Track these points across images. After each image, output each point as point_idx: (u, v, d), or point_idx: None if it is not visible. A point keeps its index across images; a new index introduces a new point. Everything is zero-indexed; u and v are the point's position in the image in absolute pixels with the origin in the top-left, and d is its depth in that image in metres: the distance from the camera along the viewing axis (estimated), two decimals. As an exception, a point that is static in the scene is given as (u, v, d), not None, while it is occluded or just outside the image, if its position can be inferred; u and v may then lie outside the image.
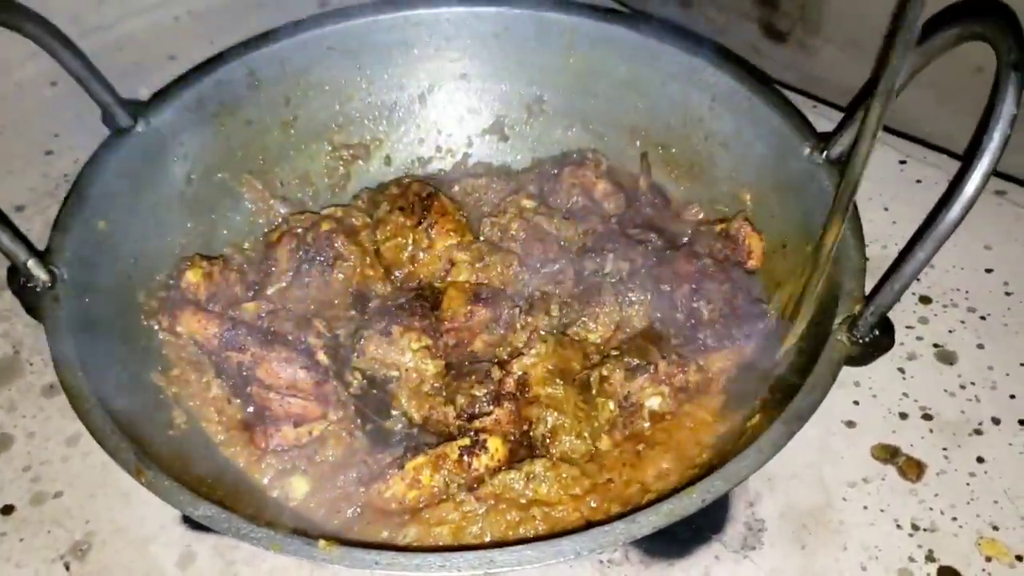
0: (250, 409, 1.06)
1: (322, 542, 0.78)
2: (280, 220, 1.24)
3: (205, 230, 1.20)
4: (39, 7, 1.04)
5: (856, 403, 1.10)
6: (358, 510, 0.98)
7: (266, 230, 1.24)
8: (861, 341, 0.91)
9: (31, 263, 0.95)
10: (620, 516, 0.80)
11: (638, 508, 0.82)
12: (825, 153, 1.07)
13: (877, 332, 0.91)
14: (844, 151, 1.06)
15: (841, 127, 1.06)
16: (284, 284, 1.14)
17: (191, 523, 1.01)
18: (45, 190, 1.37)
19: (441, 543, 0.93)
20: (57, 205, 1.32)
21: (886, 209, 1.30)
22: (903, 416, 1.08)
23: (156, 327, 1.08)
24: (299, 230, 1.17)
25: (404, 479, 0.95)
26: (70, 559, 0.99)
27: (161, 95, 1.16)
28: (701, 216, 1.23)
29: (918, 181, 1.34)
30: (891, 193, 1.32)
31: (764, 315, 1.09)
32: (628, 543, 0.96)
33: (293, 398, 1.03)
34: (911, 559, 0.97)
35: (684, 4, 1.74)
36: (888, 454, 1.05)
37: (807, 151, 1.08)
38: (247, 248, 1.21)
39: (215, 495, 0.85)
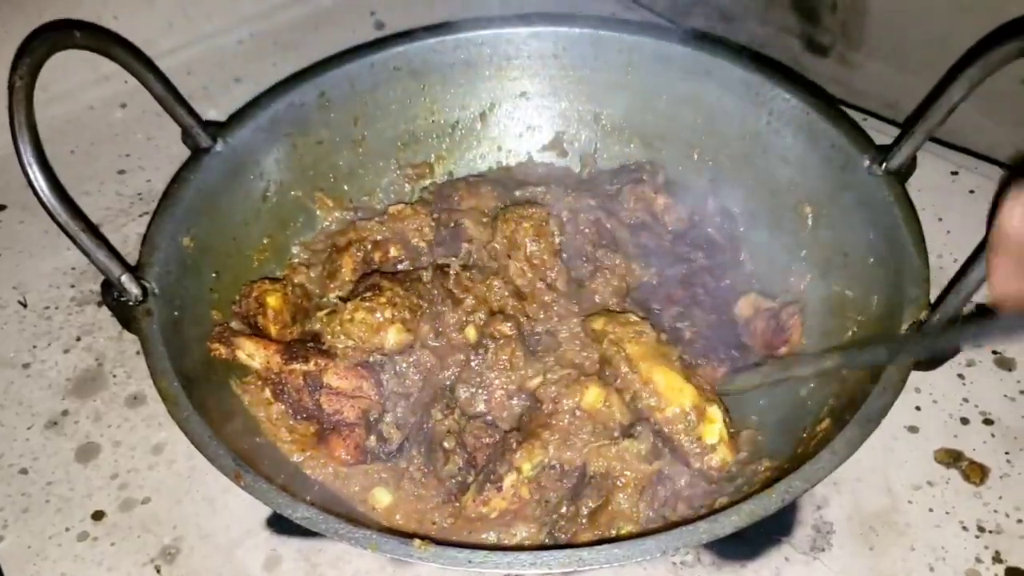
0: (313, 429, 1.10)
1: (417, 541, 0.82)
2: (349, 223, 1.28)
3: (279, 245, 1.24)
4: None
5: (918, 409, 1.12)
6: (449, 521, 1.01)
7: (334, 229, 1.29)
8: (929, 347, 0.94)
9: (124, 278, 1.00)
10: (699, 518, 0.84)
11: (716, 511, 0.85)
12: (884, 165, 1.09)
13: (943, 338, 0.94)
14: (903, 163, 1.09)
15: (900, 139, 1.09)
16: (344, 292, 1.18)
17: (276, 527, 1.05)
18: (120, 208, 1.42)
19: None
20: (132, 223, 1.39)
21: (940, 219, 1.32)
22: (964, 421, 1.11)
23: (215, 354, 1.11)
24: (368, 244, 1.21)
25: (504, 497, 0.98)
26: (160, 563, 1.03)
27: (238, 116, 1.20)
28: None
29: (971, 192, 1.36)
30: (944, 203, 1.34)
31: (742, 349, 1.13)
32: (701, 545, 1.00)
33: (364, 398, 1.08)
34: (978, 560, 0.99)
35: (726, 18, 1.77)
36: (951, 458, 1.08)
37: (866, 163, 1.11)
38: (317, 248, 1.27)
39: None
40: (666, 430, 1.03)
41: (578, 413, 1.02)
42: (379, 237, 1.22)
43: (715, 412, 1.04)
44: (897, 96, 1.55)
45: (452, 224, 1.22)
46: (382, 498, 1.04)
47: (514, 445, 0.99)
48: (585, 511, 0.97)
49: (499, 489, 0.98)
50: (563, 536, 0.97)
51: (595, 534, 0.96)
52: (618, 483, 0.97)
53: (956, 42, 1.34)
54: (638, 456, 0.97)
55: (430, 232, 1.23)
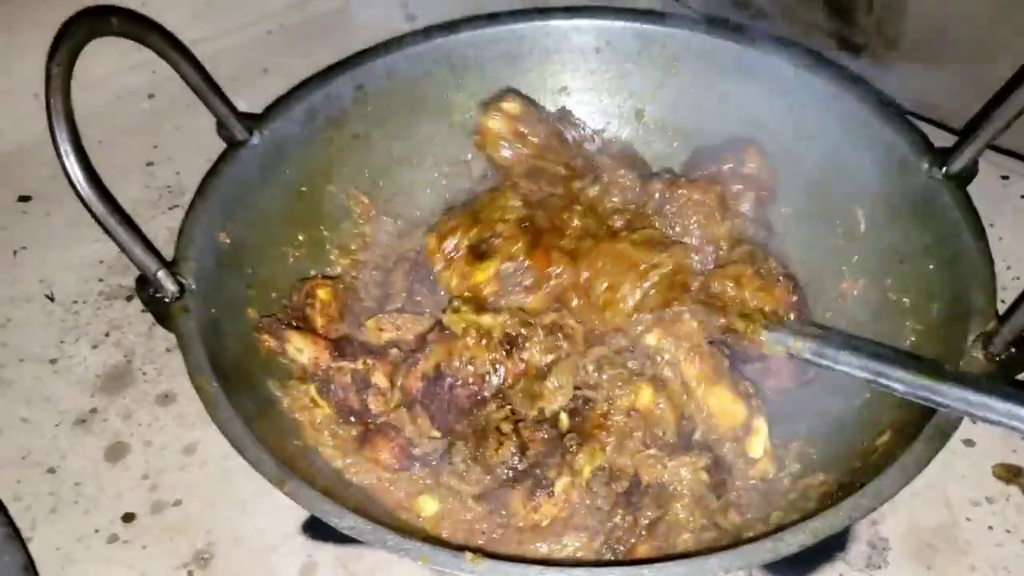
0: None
1: (469, 555, 0.78)
2: (386, 238, 1.26)
3: (315, 242, 1.21)
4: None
5: (974, 422, 1.08)
6: (499, 532, 0.97)
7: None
8: (998, 359, 0.90)
9: (161, 274, 0.96)
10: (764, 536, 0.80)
11: (780, 528, 0.81)
12: (945, 169, 1.06)
13: (1014, 350, 0.90)
14: (965, 166, 1.05)
15: (962, 143, 1.05)
16: (400, 304, 1.15)
17: (312, 533, 1.02)
18: (148, 200, 1.39)
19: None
20: (160, 216, 1.36)
21: (991, 225, 1.27)
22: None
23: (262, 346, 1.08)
24: (411, 254, 1.19)
25: (556, 503, 0.95)
26: (193, 568, 1.00)
27: (274, 108, 1.17)
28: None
29: (1022, 197, 1.32)
30: (995, 209, 1.30)
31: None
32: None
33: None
34: (1042, 580, 0.95)
35: (756, 15, 1.74)
36: (1011, 474, 1.04)
37: (925, 167, 1.07)
38: (360, 259, 1.22)
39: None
40: (712, 442, 1.02)
41: (633, 414, 0.98)
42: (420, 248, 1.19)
43: (761, 424, 1.02)
44: (933, 97, 1.51)
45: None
46: (428, 506, 1.00)
47: (574, 447, 0.96)
48: (644, 521, 0.93)
49: (550, 494, 0.94)
50: (621, 548, 0.93)
51: (653, 545, 0.92)
52: (674, 492, 0.94)
53: (995, 44, 1.31)
54: (695, 470, 0.94)
55: None
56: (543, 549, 0.95)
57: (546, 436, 0.98)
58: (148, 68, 1.53)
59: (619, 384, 0.99)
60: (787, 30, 1.73)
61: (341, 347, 1.07)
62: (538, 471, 0.97)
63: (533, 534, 0.96)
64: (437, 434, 1.02)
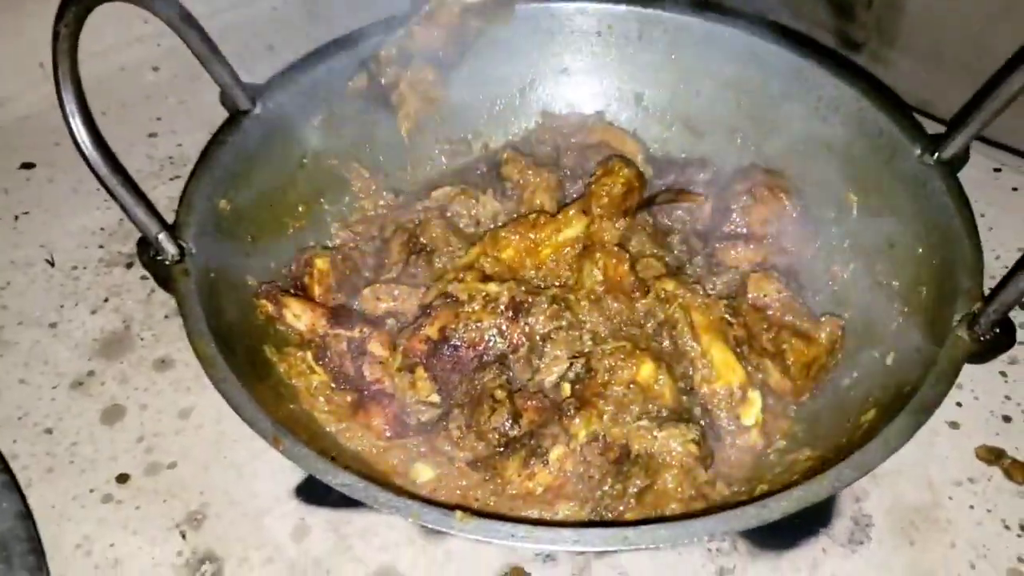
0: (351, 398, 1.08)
1: (459, 513, 0.80)
2: (386, 211, 1.27)
3: (314, 213, 1.22)
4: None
5: (959, 404, 1.10)
6: (493, 500, 0.99)
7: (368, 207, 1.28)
8: (982, 338, 0.92)
9: (162, 236, 0.98)
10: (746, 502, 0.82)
11: (766, 495, 0.83)
12: (937, 155, 1.07)
13: (998, 330, 0.92)
14: (957, 153, 1.07)
15: (953, 129, 1.07)
16: (395, 275, 1.16)
17: (304, 496, 1.03)
18: (150, 171, 1.40)
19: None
20: (162, 186, 1.38)
21: (983, 215, 1.30)
22: (1007, 419, 1.09)
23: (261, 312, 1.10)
24: (409, 225, 1.20)
25: (551, 471, 0.97)
26: (186, 528, 1.01)
27: (278, 80, 1.18)
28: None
29: (1014, 189, 1.34)
30: (987, 200, 1.32)
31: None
32: (738, 533, 0.98)
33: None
34: (1020, 559, 0.97)
35: (759, 11, 1.75)
36: (993, 456, 1.06)
37: (917, 152, 1.09)
38: (358, 230, 1.24)
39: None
40: (710, 404, 1.04)
41: (632, 386, 1.00)
42: (420, 220, 1.21)
43: (756, 396, 1.04)
44: (930, 93, 1.53)
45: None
46: (422, 473, 1.02)
47: (572, 411, 0.97)
48: (633, 490, 0.95)
49: (545, 463, 0.96)
50: (608, 515, 0.95)
51: (641, 514, 0.94)
52: (664, 462, 0.95)
53: (991, 41, 1.32)
54: (685, 441, 0.95)
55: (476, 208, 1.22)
56: (535, 515, 0.97)
57: (540, 405, 0.99)
58: (152, 41, 1.55)
59: (622, 356, 1.00)
60: (789, 25, 1.75)
61: (338, 315, 1.09)
62: (533, 440, 0.98)
63: (526, 502, 0.98)
64: (437, 399, 1.03)
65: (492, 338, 1.03)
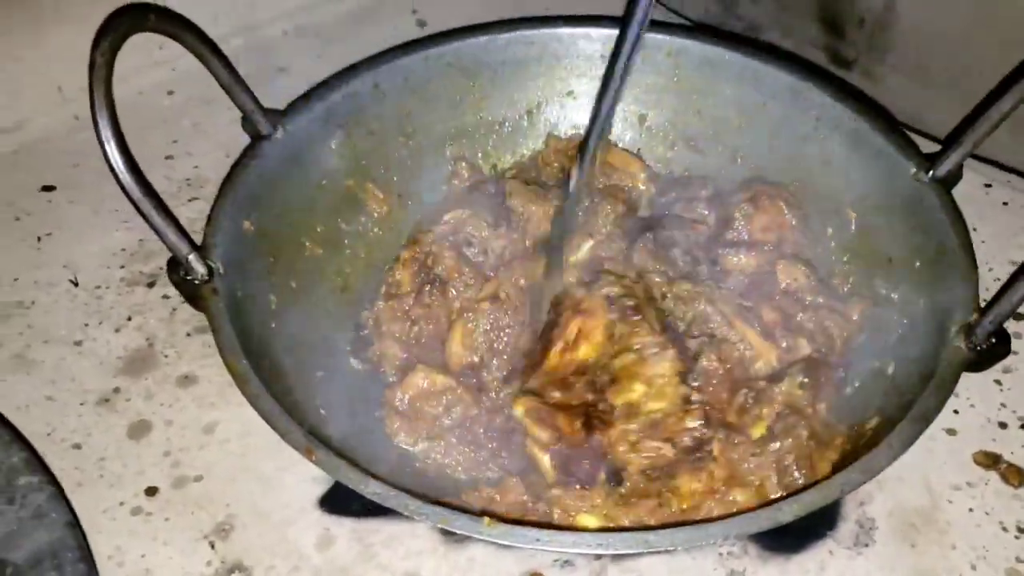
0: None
1: (486, 519, 0.84)
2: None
3: (331, 234, 1.26)
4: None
5: (956, 412, 1.15)
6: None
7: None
8: (978, 348, 0.96)
9: (192, 257, 1.01)
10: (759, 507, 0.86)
11: (775, 500, 0.87)
12: (931, 173, 1.12)
13: (994, 340, 0.96)
14: (951, 171, 1.12)
15: (947, 148, 1.12)
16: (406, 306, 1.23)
17: (329, 507, 1.07)
18: (169, 192, 1.44)
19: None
20: (181, 207, 1.41)
21: (974, 229, 1.34)
22: (1003, 425, 1.13)
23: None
24: (420, 256, 1.25)
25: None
26: (214, 539, 1.04)
27: (297, 105, 1.22)
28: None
29: (1004, 203, 1.39)
30: (978, 214, 1.37)
31: None
32: (749, 537, 1.02)
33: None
34: (1019, 559, 1.01)
35: (752, 29, 1.80)
36: (990, 461, 1.10)
37: (913, 171, 1.14)
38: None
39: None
40: None
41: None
42: (433, 248, 1.25)
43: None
44: (920, 110, 1.57)
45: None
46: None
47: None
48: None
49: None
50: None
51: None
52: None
53: (980, 59, 1.37)
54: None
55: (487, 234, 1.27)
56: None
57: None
58: (168, 65, 1.59)
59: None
60: (780, 43, 1.79)
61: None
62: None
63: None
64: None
65: None
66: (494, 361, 1.18)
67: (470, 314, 1.18)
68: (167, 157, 1.50)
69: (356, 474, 0.87)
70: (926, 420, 0.91)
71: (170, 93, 1.60)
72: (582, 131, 1.41)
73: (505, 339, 1.18)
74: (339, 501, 1.07)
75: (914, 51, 1.56)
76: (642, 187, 1.29)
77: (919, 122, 1.52)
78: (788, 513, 0.84)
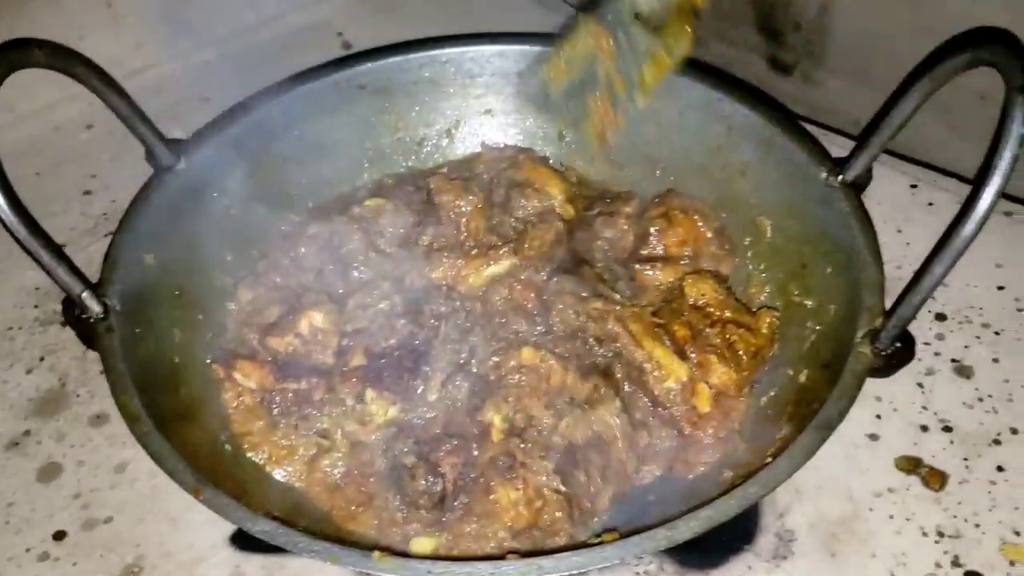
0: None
1: (376, 553, 0.82)
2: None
3: (245, 264, 1.24)
4: (82, 52, 1.10)
5: (878, 417, 1.13)
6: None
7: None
8: (883, 353, 0.95)
9: (85, 295, 1.00)
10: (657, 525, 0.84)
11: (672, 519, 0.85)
12: (841, 177, 1.11)
13: (898, 345, 0.95)
14: (859, 174, 1.11)
15: (856, 152, 1.11)
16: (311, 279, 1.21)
17: (239, 544, 1.04)
18: (85, 228, 1.42)
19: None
20: (97, 243, 1.39)
21: (899, 231, 1.34)
22: (924, 428, 1.12)
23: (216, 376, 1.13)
24: (327, 234, 1.23)
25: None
26: (122, 582, 1.02)
27: (201, 135, 1.21)
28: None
29: (930, 204, 1.38)
30: (904, 216, 1.36)
31: None
32: (662, 554, 1.00)
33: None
34: (938, 565, 1.00)
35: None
36: (911, 465, 1.09)
37: (823, 175, 1.13)
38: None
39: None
40: (667, 403, 1.10)
41: (523, 369, 1.05)
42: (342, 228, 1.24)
43: (703, 387, 1.11)
44: (860, 113, 1.56)
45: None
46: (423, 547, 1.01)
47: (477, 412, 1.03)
48: (597, 473, 1.01)
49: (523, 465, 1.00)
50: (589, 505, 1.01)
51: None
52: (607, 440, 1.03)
53: (918, 61, 1.36)
54: (613, 412, 1.03)
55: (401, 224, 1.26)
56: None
57: (454, 446, 1.02)
58: (86, 99, 1.52)
59: (500, 353, 1.08)
60: (722, 52, 1.79)
61: (285, 369, 1.12)
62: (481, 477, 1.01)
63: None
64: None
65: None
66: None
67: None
68: (85, 192, 1.48)
69: (243, 512, 0.85)
70: (829, 428, 0.90)
71: (88, 127, 1.58)
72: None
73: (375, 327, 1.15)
74: (250, 538, 1.03)
75: (852, 55, 1.56)
76: (559, 210, 1.27)
77: (861, 126, 1.52)
78: (685, 531, 0.83)
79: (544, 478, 0.99)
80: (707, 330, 1.12)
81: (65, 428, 1.17)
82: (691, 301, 1.15)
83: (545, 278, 1.18)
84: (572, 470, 1.01)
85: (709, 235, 1.23)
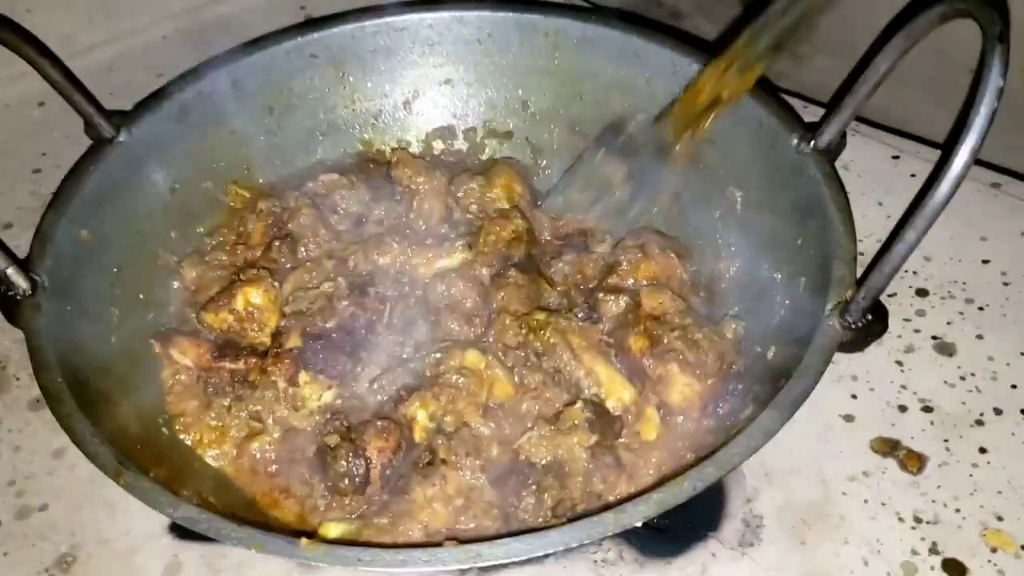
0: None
1: (304, 540, 0.77)
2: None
3: (189, 240, 1.19)
4: (31, 28, 1.05)
5: (854, 397, 1.07)
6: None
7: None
8: (854, 326, 0.89)
9: (11, 271, 0.95)
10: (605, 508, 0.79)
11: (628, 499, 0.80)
12: (813, 143, 1.05)
13: (870, 317, 0.89)
14: (832, 140, 1.05)
15: (827, 116, 1.05)
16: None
17: (178, 533, 0.99)
18: (33, 207, 1.36)
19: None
20: (44, 222, 1.33)
21: (880, 204, 1.28)
22: (903, 409, 1.06)
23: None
24: (277, 210, 1.18)
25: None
26: (55, 572, 0.97)
27: (143, 105, 1.15)
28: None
29: (912, 176, 1.32)
30: (885, 188, 1.30)
31: None
32: (622, 542, 0.95)
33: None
34: (914, 552, 0.94)
35: (674, 16, 1.74)
36: (888, 447, 1.03)
37: (795, 142, 1.07)
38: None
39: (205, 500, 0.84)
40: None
41: (463, 371, 1.00)
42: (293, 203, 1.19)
43: (652, 412, 1.04)
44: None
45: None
46: (332, 531, 0.96)
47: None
48: (549, 501, 0.93)
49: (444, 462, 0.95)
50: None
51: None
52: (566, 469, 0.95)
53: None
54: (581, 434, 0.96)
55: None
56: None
57: (383, 426, 0.97)
58: (37, 76, 1.51)
59: (443, 352, 1.02)
60: (705, 29, 1.74)
61: (223, 348, 1.07)
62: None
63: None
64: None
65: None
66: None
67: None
68: (35, 171, 1.43)
69: (167, 498, 0.80)
70: (791, 407, 0.84)
71: (40, 104, 1.52)
72: (462, 120, 1.35)
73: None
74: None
75: (837, 30, 1.51)
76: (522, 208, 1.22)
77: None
78: (635, 516, 0.77)
79: (468, 475, 0.94)
80: (667, 335, 1.05)
81: (3, 412, 1.12)
82: (648, 311, 1.08)
83: (493, 275, 1.13)
84: (520, 490, 0.95)
85: (684, 276, 1.17)
